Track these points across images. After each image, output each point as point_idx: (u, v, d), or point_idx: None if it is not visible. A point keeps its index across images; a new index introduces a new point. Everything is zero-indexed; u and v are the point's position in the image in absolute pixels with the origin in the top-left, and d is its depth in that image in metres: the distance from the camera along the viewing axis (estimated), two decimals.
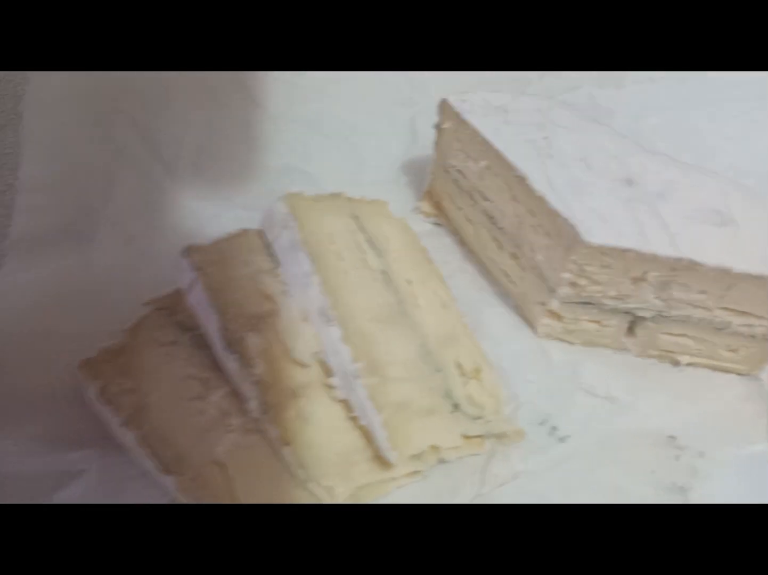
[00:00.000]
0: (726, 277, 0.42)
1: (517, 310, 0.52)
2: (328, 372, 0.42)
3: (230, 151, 0.57)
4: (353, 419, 0.41)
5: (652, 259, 0.42)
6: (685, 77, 0.64)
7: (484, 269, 0.55)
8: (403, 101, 0.65)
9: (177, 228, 0.51)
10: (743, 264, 0.41)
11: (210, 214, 0.53)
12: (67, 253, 0.46)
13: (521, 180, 0.46)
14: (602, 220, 0.42)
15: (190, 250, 0.43)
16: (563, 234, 0.43)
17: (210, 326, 0.42)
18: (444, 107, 0.51)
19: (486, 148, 0.48)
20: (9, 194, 0.44)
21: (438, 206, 0.58)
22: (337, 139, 0.61)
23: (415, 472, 0.42)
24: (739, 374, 0.49)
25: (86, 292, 0.45)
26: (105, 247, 0.48)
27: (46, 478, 0.38)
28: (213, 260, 0.44)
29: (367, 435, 0.41)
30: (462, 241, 0.56)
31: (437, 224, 0.58)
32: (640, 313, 0.46)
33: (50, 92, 0.47)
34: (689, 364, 0.49)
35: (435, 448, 0.42)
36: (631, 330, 0.48)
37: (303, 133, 0.60)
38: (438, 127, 0.53)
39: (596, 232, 0.42)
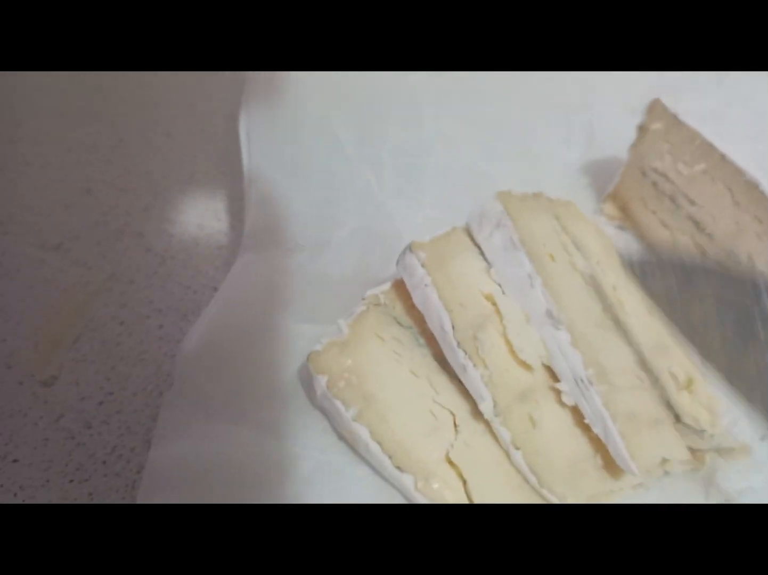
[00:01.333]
0: None
1: None
2: (553, 376, 0.42)
3: (416, 151, 0.56)
4: (581, 425, 0.40)
5: None
6: None
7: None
8: (578, 105, 0.63)
9: (376, 226, 0.51)
10: None
11: (401, 213, 0.53)
12: (287, 249, 0.47)
13: (751, 185, 0.44)
14: None
15: (415, 247, 0.43)
16: None
17: (438, 324, 0.41)
18: (656, 108, 0.50)
19: (707, 151, 0.46)
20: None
21: (624, 209, 0.56)
22: (514, 142, 0.60)
23: (639, 485, 0.41)
24: None
25: (306, 285, 0.46)
26: (318, 244, 0.49)
27: (271, 471, 0.38)
28: (434, 257, 0.43)
29: (596, 443, 0.40)
30: (651, 246, 0.55)
31: (621, 228, 0.57)
32: None
33: (272, 88, 0.47)
34: None
35: (664, 460, 0.40)
36: None
37: (483, 135, 0.59)
38: (642, 128, 0.51)
39: None
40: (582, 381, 0.40)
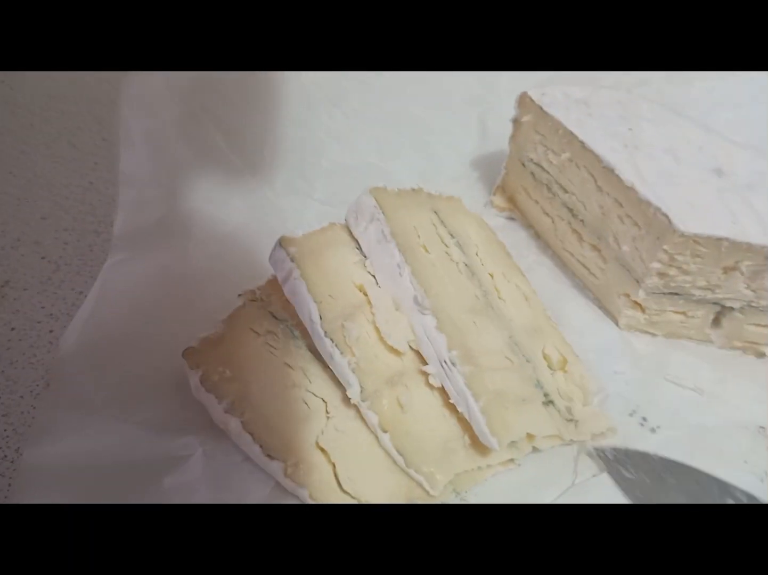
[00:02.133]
0: None
1: (597, 302, 0.52)
2: (423, 360, 0.43)
3: (309, 149, 0.58)
4: (450, 406, 0.42)
5: (746, 249, 0.42)
6: (753, 76, 0.63)
7: (560, 262, 0.55)
8: (473, 99, 0.65)
9: (263, 222, 0.52)
10: None
11: (292, 209, 0.54)
12: (165, 248, 0.48)
13: (608, 171, 0.46)
14: (694, 210, 0.43)
15: (285, 242, 0.44)
16: (654, 224, 0.43)
17: (307, 315, 0.42)
18: (523, 101, 0.52)
19: (570, 140, 0.48)
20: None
21: (511, 200, 0.58)
22: (411, 137, 0.62)
23: (510, 461, 0.43)
24: None
25: (182, 286, 0.47)
26: (198, 241, 0.49)
27: (157, 461, 0.39)
28: (306, 252, 0.45)
29: (464, 423, 0.42)
30: (537, 235, 0.57)
31: (510, 218, 0.59)
32: (729, 304, 0.46)
33: (148, 90, 0.48)
34: None
35: (530, 437, 0.42)
36: (716, 321, 0.48)
37: (379, 131, 0.61)
38: (516, 121, 0.53)
39: (689, 221, 0.42)
40: (446, 362, 0.41)
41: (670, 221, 0.42)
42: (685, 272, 0.45)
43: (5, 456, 0.43)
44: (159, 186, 0.50)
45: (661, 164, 0.45)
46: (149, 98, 0.50)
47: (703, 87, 0.65)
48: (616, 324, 0.51)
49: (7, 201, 0.58)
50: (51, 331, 0.49)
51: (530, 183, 0.55)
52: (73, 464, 0.40)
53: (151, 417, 0.42)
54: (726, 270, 0.44)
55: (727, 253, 0.42)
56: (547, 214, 0.54)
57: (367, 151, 0.60)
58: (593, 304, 0.53)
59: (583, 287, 0.53)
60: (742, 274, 0.44)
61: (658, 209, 0.43)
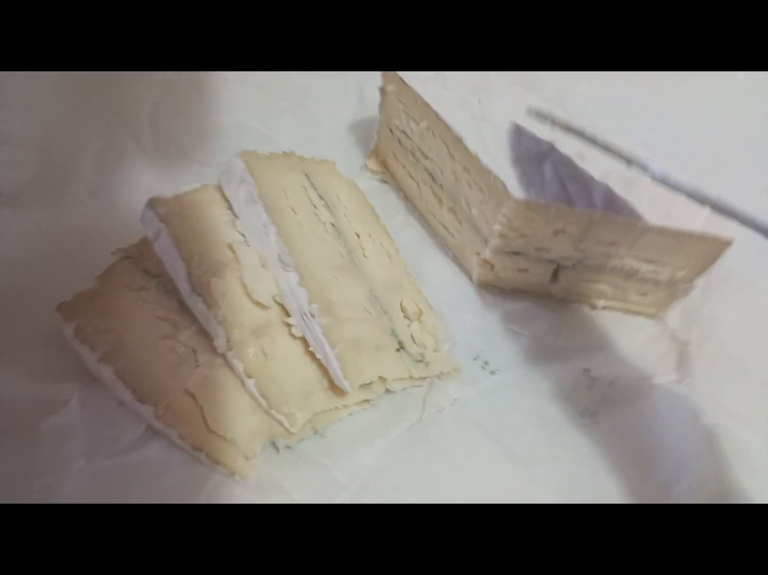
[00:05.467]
0: (634, 229, 0.48)
1: (456, 260, 0.58)
2: (286, 313, 0.47)
3: (188, 110, 0.60)
4: (310, 354, 0.46)
5: (570, 214, 0.48)
6: None
7: (426, 223, 0.60)
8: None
9: (140, 182, 0.54)
10: (648, 217, 0.48)
11: (170, 169, 0.57)
12: (40, 206, 0.49)
13: (458, 140, 0.50)
14: (528, 178, 0.48)
15: (153, 202, 0.47)
16: (494, 190, 0.49)
17: (176, 272, 0.46)
18: (387, 72, 0.56)
19: (426, 110, 0.53)
20: None
21: (384, 164, 0.62)
22: (291, 101, 0.65)
23: (365, 401, 0.48)
24: (648, 317, 0.56)
25: (59, 243, 0.49)
26: (74, 200, 0.51)
27: (34, 406, 0.42)
28: (176, 212, 0.47)
29: (323, 369, 0.46)
30: (406, 197, 0.61)
31: (383, 181, 0.63)
32: (562, 262, 0.53)
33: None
34: (605, 308, 0.56)
35: (382, 379, 0.47)
36: (554, 277, 0.54)
37: (258, 95, 0.63)
38: (382, 90, 0.57)
39: (522, 189, 0.47)
40: (306, 314, 0.45)
41: (506, 188, 0.47)
42: (522, 234, 0.50)
43: None
44: (34, 144, 0.51)
45: (503, 135, 0.50)
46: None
47: None
48: (471, 279, 0.56)
49: None
50: None
51: (398, 149, 0.59)
52: None
53: (29, 365, 0.44)
54: (556, 232, 0.50)
55: (555, 217, 0.48)
56: (413, 178, 0.59)
57: (246, 114, 0.62)
58: (452, 262, 0.58)
59: (444, 246, 0.59)
60: (569, 236, 0.50)
61: (496, 177, 0.48)
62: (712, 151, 0.65)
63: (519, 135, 0.51)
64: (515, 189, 0.47)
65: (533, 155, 0.50)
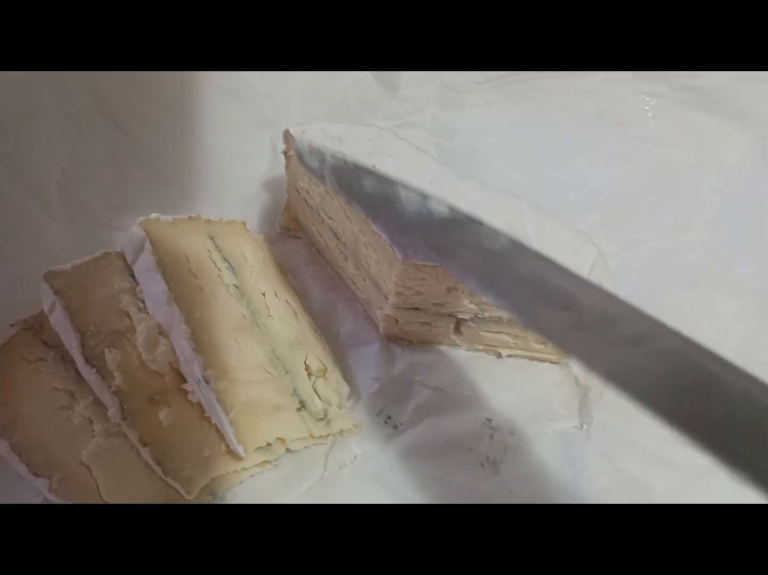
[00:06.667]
0: None
1: (364, 314, 0.59)
2: (184, 379, 0.48)
3: (96, 175, 0.61)
4: (208, 419, 0.47)
5: None
6: (517, 100, 0.72)
7: (336, 277, 0.62)
8: (265, 124, 0.70)
9: (46, 251, 0.55)
10: None
11: (79, 236, 0.57)
12: None
13: (350, 204, 0.52)
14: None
15: (49, 275, 0.48)
16: (386, 252, 0.50)
17: (70, 344, 0.46)
18: (287, 137, 0.57)
19: None
20: None
21: (296, 221, 0.64)
22: (202, 160, 0.66)
23: (266, 462, 0.49)
24: (552, 362, 0.58)
25: None
26: None
27: None
28: (73, 283, 0.48)
29: (221, 432, 0.47)
30: (318, 252, 0.63)
31: (297, 237, 0.65)
32: (461, 316, 0.54)
33: None
34: (510, 356, 0.58)
35: (282, 440, 0.48)
36: (457, 329, 0.56)
37: (170, 154, 0.65)
38: (285, 154, 0.59)
39: (410, 251, 0.49)
40: (200, 380, 0.46)
41: (394, 251, 0.49)
42: (418, 292, 0.52)
43: None
44: None
45: None
46: None
47: (472, 113, 0.73)
48: (379, 332, 0.58)
49: None
50: None
51: (305, 207, 0.61)
52: None
53: None
54: (449, 289, 0.51)
55: (444, 277, 0.50)
56: (320, 235, 0.61)
57: (158, 173, 0.63)
58: (361, 316, 0.60)
59: (353, 299, 0.60)
60: (462, 292, 0.51)
61: (386, 240, 0.49)
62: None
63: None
64: (402, 252, 0.49)
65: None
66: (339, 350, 0.56)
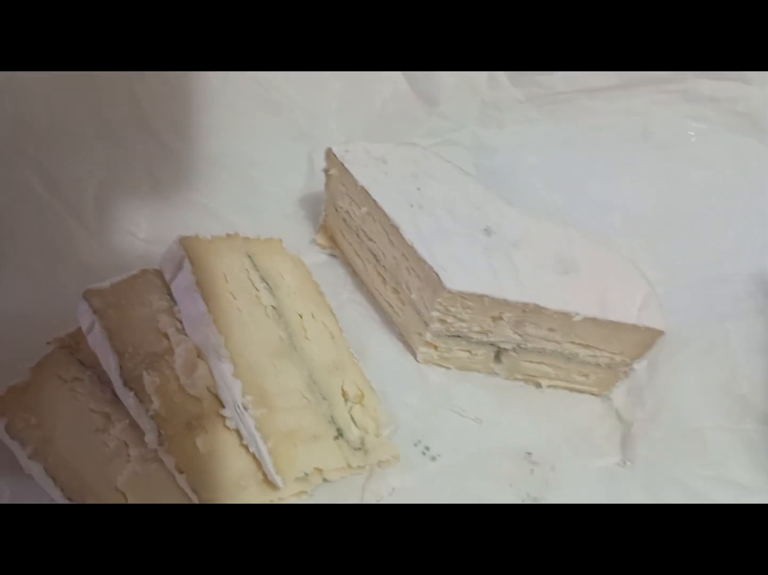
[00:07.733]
0: (567, 318, 0.49)
1: (401, 338, 0.58)
2: (221, 404, 0.47)
3: (133, 188, 0.60)
4: (245, 446, 0.46)
5: (504, 303, 0.48)
6: (558, 119, 0.71)
7: (372, 299, 0.60)
8: (302, 136, 0.69)
9: (82, 265, 0.54)
10: (580, 308, 0.48)
11: (115, 250, 0.56)
12: None
13: (395, 228, 0.51)
14: (462, 268, 0.48)
15: (88, 294, 0.47)
16: (430, 279, 0.49)
17: (108, 365, 0.45)
18: (329, 155, 0.56)
19: (366, 196, 0.53)
20: None
21: (332, 239, 0.63)
22: (238, 174, 0.65)
23: (302, 492, 0.47)
24: (593, 395, 0.57)
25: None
26: (10, 286, 0.51)
27: None
28: (111, 302, 0.47)
29: (258, 460, 0.46)
30: (354, 272, 0.62)
31: (333, 255, 0.63)
32: (503, 345, 0.53)
33: None
34: (550, 386, 0.56)
35: (319, 470, 0.47)
36: (497, 357, 0.55)
37: (204, 168, 0.64)
38: (326, 172, 0.58)
39: (456, 279, 0.47)
40: (239, 407, 0.45)
41: (440, 279, 0.48)
42: (461, 320, 0.51)
43: None
44: None
45: (440, 222, 0.51)
46: None
47: (513, 131, 0.71)
48: (416, 358, 0.57)
49: None
50: None
51: (344, 226, 0.59)
52: None
53: None
54: (494, 319, 0.50)
55: (490, 306, 0.49)
56: (358, 256, 0.59)
57: (192, 189, 0.62)
58: (398, 340, 0.58)
59: (390, 323, 0.59)
60: (506, 322, 0.50)
61: (431, 267, 0.48)
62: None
63: (455, 221, 0.51)
64: (449, 280, 0.47)
65: (467, 243, 0.50)
66: (374, 375, 0.55)
